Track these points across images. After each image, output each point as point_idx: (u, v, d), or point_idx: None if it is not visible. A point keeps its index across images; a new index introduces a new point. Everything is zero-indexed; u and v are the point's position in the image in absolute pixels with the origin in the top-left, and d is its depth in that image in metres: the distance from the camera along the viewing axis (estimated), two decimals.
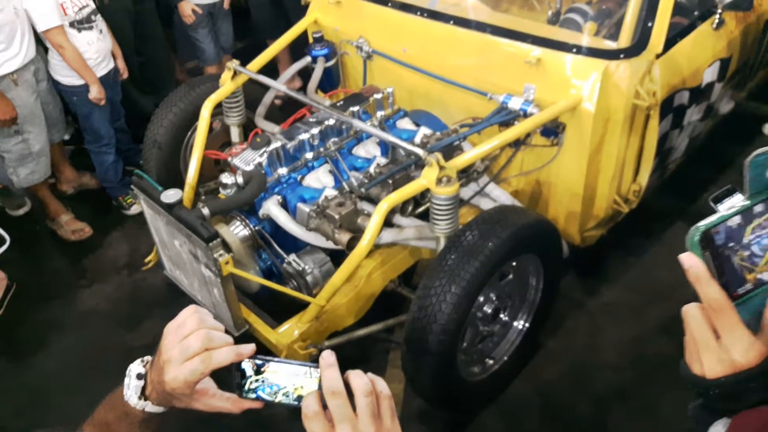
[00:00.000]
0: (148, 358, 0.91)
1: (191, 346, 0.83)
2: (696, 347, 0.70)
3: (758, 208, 0.69)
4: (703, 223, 0.69)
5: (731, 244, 0.69)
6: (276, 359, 0.84)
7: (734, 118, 3.25)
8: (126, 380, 0.90)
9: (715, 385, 0.69)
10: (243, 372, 0.84)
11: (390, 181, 2.35)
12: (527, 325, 2.43)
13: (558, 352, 2.60)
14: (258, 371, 0.84)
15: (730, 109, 3.09)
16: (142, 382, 0.89)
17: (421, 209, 2.48)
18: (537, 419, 2.41)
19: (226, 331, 0.88)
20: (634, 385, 2.44)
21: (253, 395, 0.84)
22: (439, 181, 2.09)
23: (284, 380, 0.83)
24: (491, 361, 2.40)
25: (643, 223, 2.93)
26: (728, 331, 0.68)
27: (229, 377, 0.85)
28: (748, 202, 0.69)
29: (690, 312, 0.70)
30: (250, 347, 0.85)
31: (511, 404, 2.44)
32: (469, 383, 2.29)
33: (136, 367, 0.90)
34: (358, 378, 0.78)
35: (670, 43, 2.35)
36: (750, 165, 0.69)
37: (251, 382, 0.84)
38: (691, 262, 0.68)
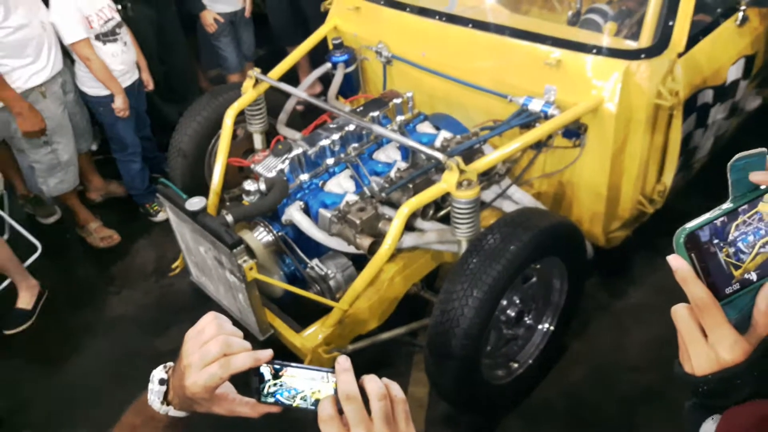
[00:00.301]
0: (170, 364, 0.93)
1: (210, 351, 0.85)
2: (685, 346, 0.73)
3: (742, 207, 0.71)
4: (689, 225, 0.71)
5: (716, 241, 0.71)
6: (293, 364, 0.86)
7: (761, 115, 3.19)
8: (150, 385, 0.92)
9: (703, 382, 0.71)
10: (261, 376, 0.86)
11: (411, 186, 2.36)
12: (552, 327, 2.42)
13: (583, 354, 2.58)
14: (276, 375, 0.86)
15: (757, 106, 3.04)
16: (164, 388, 0.91)
17: (442, 213, 2.49)
18: (562, 422, 2.39)
19: (246, 337, 0.90)
20: (660, 386, 2.41)
21: (272, 399, 0.86)
22: (459, 184, 2.09)
23: (302, 384, 0.85)
24: (516, 365, 2.40)
25: (670, 223, 2.86)
26: (714, 330, 0.70)
27: (248, 382, 0.87)
28: (731, 205, 0.71)
29: (678, 312, 0.73)
30: (267, 352, 0.87)
31: (535, 407, 2.43)
32: (494, 387, 2.29)
33: (158, 373, 0.93)
34: (372, 382, 0.80)
35: (692, 41, 2.32)
36: (731, 169, 0.71)
37: (269, 387, 0.86)
38: (678, 263, 0.71)
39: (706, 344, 0.70)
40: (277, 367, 0.86)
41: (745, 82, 2.63)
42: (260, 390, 0.86)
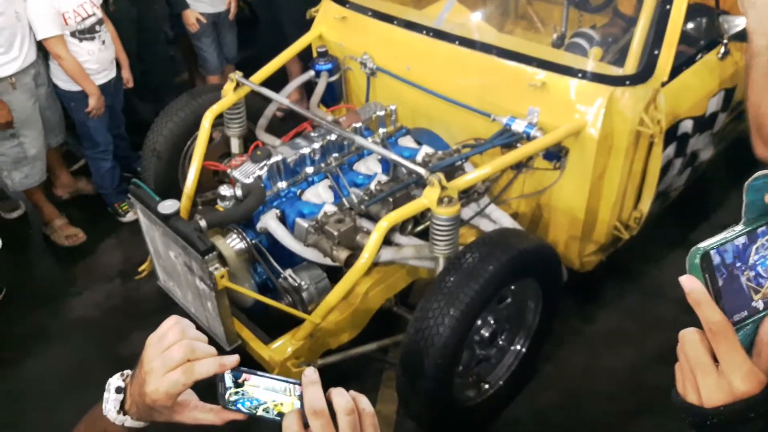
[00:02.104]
0: (127, 371, 0.89)
1: (173, 357, 0.81)
2: (692, 374, 0.66)
3: (761, 229, 0.67)
4: (704, 245, 0.66)
5: (738, 264, 0.66)
6: (258, 373, 0.82)
7: (737, 147, 3.25)
8: (105, 394, 0.87)
9: (713, 414, 0.64)
10: (224, 383, 0.83)
11: (390, 199, 2.33)
12: (524, 349, 2.40)
13: (554, 377, 2.57)
14: (237, 383, 0.82)
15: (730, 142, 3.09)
16: (121, 396, 0.86)
17: (420, 228, 2.46)
18: None
19: (211, 342, 0.85)
20: (630, 414, 2.41)
21: (234, 407, 0.83)
22: (440, 201, 2.07)
23: (264, 395, 0.81)
24: (487, 386, 2.37)
25: (642, 248, 2.91)
26: (728, 356, 0.64)
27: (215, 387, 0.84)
28: (745, 227, 0.67)
29: (688, 336, 0.66)
30: (233, 358, 0.83)
31: (505, 429, 2.40)
32: (464, 408, 2.26)
33: (115, 381, 0.88)
34: (339, 396, 0.76)
35: (675, 71, 2.34)
36: (748, 189, 0.66)
37: (230, 394, 0.83)
38: (692, 285, 0.65)
39: (718, 373, 0.64)
40: (239, 374, 0.82)
41: (723, 114, 2.67)
42: (224, 396, 0.83)
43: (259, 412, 0.81)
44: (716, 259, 0.65)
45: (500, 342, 2.35)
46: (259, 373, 0.82)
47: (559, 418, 2.43)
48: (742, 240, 0.66)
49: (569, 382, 2.55)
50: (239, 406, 0.82)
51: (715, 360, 0.65)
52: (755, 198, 0.66)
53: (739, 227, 0.67)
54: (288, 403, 0.80)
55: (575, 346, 2.69)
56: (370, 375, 2.60)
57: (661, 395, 2.68)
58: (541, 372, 2.58)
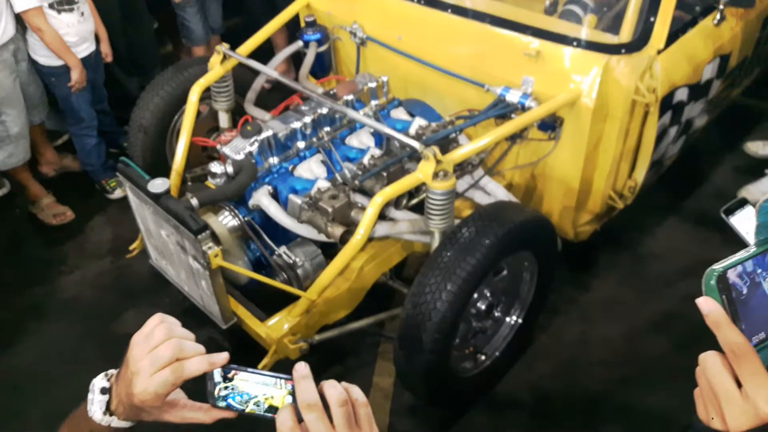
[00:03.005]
0: (112, 371, 0.87)
1: (162, 356, 0.80)
2: (716, 399, 0.65)
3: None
4: (719, 266, 0.65)
5: (759, 270, 0.66)
6: (248, 369, 0.82)
7: (729, 115, 3.24)
8: (89, 395, 0.85)
9: None
10: (213, 379, 0.82)
11: (384, 174, 2.30)
12: (520, 320, 2.41)
13: (550, 347, 2.58)
14: (226, 378, 0.82)
15: (726, 106, 3.08)
16: (106, 397, 0.85)
17: (414, 201, 2.44)
18: (527, 415, 2.39)
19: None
20: (625, 381, 2.44)
21: (224, 404, 0.82)
22: (435, 175, 2.04)
23: (254, 389, 0.81)
24: (483, 357, 2.38)
25: (636, 217, 2.92)
26: (752, 379, 0.63)
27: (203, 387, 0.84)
28: (757, 248, 0.67)
29: (710, 361, 0.65)
30: (223, 356, 0.82)
31: (501, 399, 2.43)
32: (461, 379, 2.27)
33: (99, 382, 0.86)
34: (332, 388, 0.76)
35: (671, 38, 2.31)
36: (760, 210, 0.67)
37: (220, 389, 0.82)
38: (710, 307, 0.64)
39: (742, 396, 0.63)
40: (227, 370, 0.82)
41: (718, 81, 2.65)
42: (213, 393, 0.82)
43: (250, 407, 0.81)
44: (733, 276, 0.65)
45: (496, 314, 2.36)
46: (249, 369, 0.81)
47: (555, 387, 2.45)
48: (752, 261, 0.66)
49: (564, 351, 2.57)
50: (229, 401, 0.82)
51: (738, 383, 0.64)
52: (766, 220, 0.67)
53: (752, 248, 0.67)
54: (279, 396, 0.79)
55: (570, 315, 2.71)
56: (365, 349, 2.60)
57: (655, 363, 2.74)
58: (537, 342, 2.59)
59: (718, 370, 0.64)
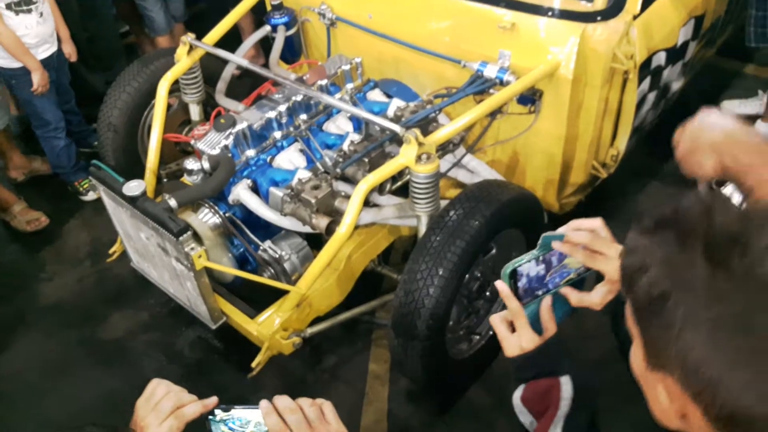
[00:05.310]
0: None
1: (165, 407, 1.00)
2: (501, 338, 1.13)
3: (549, 258, 1.13)
4: (511, 264, 1.10)
5: (535, 285, 1.15)
6: (239, 406, 1.02)
7: (704, 75, 3.23)
8: None
9: (512, 361, 1.12)
10: (212, 412, 1.03)
11: (366, 159, 2.25)
12: None
13: None
14: (226, 410, 1.03)
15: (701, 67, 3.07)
16: None
17: (398, 184, 2.40)
18: None
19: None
20: (613, 352, 2.45)
21: (223, 427, 1.02)
22: (418, 158, 2.00)
23: (250, 415, 1.01)
24: (477, 337, 2.37)
25: (619, 184, 2.91)
26: (520, 329, 1.11)
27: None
28: (536, 253, 1.12)
29: (494, 319, 1.15)
30: (213, 399, 1.03)
31: (497, 378, 2.43)
32: (457, 361, 2.26)
33: None
34: (280, 401, 1.00)
35: (645, 3, 2.27)
36: (542, 239, 1.11)
37: (220, 416, 1.02)
38: (501, 287, 1.10)
39: (514, 337, 1.11)
40: (225, 406, 1.03)
41: (694, 42, 2.63)
42: (210, 422, 1.03)
43: (251, 428, 1.01)
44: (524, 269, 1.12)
45: (487, 293, 2.35)
46: (240, 406, 1.02)
47: None
48: (542, 270, 1.14)
49: (558, 323, 2.57)
50: (229, 424, 1.02)
51: (513, 330, 1.13)
52: (546, 242, 1.12)
53: (535, 251, 1.11)
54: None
55: None
56: (359, 336, 2.58)
57: None
58: None
59: (500, 324, 1.13)
